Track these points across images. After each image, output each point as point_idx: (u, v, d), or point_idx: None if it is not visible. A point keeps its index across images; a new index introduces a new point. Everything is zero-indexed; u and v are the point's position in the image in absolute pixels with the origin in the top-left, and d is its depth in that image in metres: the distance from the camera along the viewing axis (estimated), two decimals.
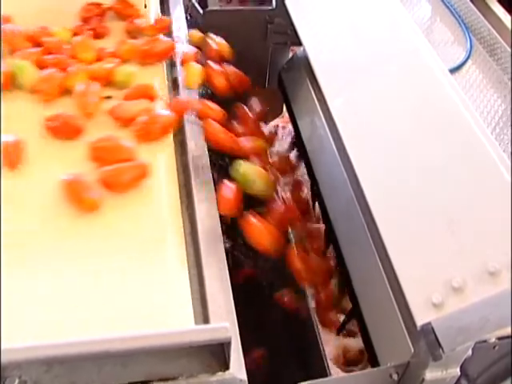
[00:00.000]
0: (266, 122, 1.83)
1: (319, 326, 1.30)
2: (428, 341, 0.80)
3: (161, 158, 1.15)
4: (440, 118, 0.99)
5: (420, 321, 0.81)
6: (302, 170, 1.51)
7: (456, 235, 0.84)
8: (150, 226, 1.03)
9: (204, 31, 1.43)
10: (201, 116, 1.22)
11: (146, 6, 1.41)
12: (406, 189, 0.96)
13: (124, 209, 1.05)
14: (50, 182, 1.06)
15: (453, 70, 1.25)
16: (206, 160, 1.15)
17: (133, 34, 1.38)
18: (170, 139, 1.18)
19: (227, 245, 1.33)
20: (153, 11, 1.42)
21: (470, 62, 1.29)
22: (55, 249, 0.98)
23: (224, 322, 0.83)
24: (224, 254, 1.00)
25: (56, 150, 1.13)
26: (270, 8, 1.62)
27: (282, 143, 1.66)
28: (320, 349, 1.28)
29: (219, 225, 1.04)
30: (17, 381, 0.77)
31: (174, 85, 1.32)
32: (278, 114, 1.82)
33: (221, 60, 1.38)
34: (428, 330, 0.79)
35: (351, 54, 1.19)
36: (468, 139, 0.93)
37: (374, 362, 1.01)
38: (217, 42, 1.40)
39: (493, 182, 0.86)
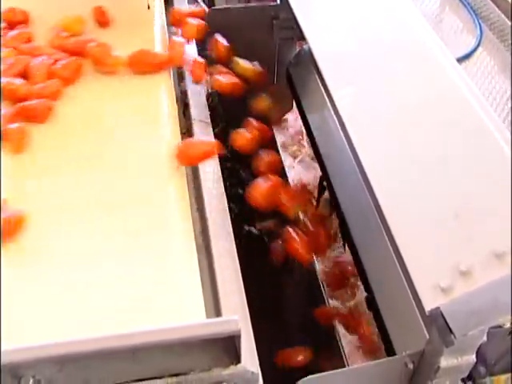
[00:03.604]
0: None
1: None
2: (438, 326, 0.79)
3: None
4: (447, 108, 0.99)
5: (428, 306, 0.80)
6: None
7: (462, 220, 0.84)
8: (157, 216, 1.03)
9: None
10: None
11: (149, 7, 1.40)
12: (412, 176, 0.95)
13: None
14: None
15: (463, 58, 1.23)
16: None
17: None
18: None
19: None
20: (157, 12, 1.42)
21: (480, 48, 1.27)
22: (67, 245, 0.99)
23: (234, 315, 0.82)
24: (234, 243, 1.01)
25: None
26: (274, 4, 1.62)
27: None
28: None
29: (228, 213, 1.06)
30: (31, 380, 0.77)
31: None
32: (288, 109, 1.83)
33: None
34: (437, 315, 0.78)
35: (355, 47, 1.19)
36: (475, 128, 0.93)
37: (390, 351, 1.00)
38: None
39: (499, 168, 0.87)
